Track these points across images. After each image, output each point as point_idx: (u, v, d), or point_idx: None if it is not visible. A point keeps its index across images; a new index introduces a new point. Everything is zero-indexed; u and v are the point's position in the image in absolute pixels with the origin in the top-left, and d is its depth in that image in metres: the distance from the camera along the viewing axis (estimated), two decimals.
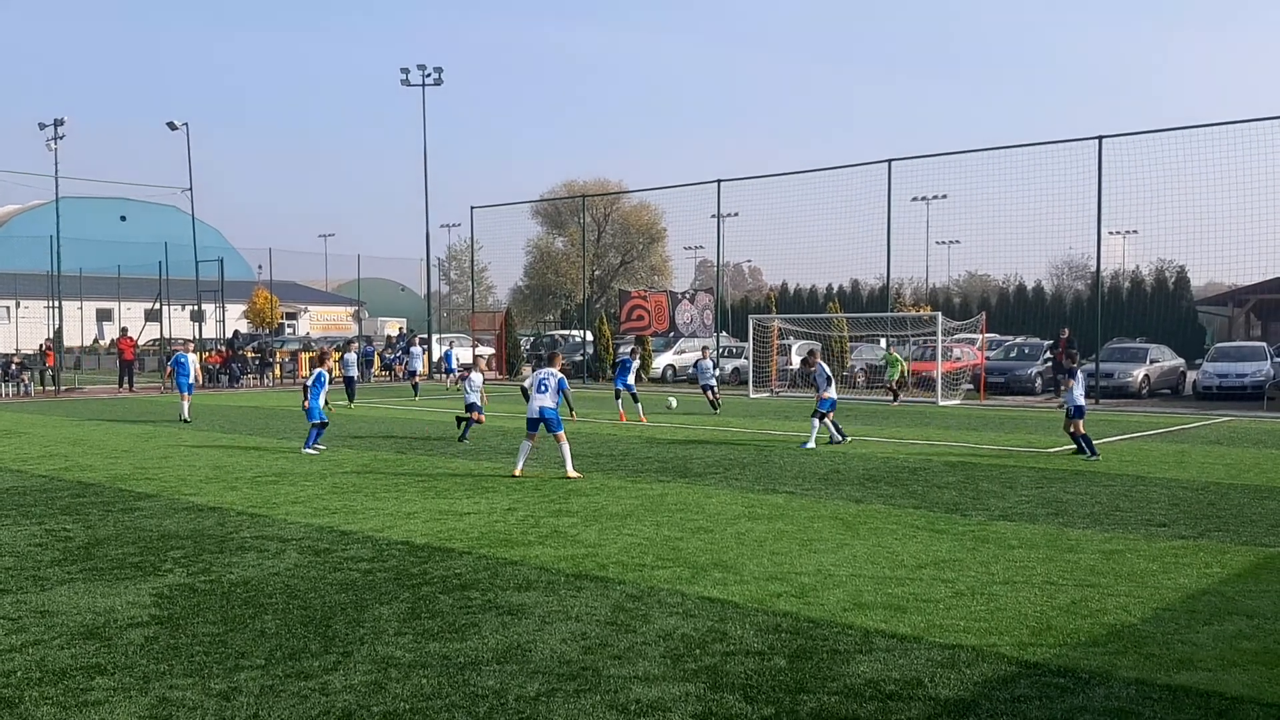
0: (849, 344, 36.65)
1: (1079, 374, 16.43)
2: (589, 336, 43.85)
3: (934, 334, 30.89)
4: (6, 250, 43.95)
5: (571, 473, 13.95)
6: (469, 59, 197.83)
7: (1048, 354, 33.29)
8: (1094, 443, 16.21)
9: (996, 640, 6.60)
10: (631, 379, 24.22)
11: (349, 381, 29.05)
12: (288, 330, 70.11)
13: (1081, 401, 16.18)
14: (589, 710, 5.42)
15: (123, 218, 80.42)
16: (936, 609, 7.34)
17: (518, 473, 14.09)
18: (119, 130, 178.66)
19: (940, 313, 32.12)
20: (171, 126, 43.10)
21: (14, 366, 36.43)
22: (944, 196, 46.13)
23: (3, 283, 44.91)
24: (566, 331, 54.78)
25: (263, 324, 63.19)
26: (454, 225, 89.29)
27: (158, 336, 48.09)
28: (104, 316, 63.84)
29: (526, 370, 27.76)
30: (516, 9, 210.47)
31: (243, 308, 64.37)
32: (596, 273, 70.09)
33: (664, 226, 69.31)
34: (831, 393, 18.32)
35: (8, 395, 34.36)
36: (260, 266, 72.08)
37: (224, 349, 42.18)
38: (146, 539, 9.98)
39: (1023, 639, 6.63)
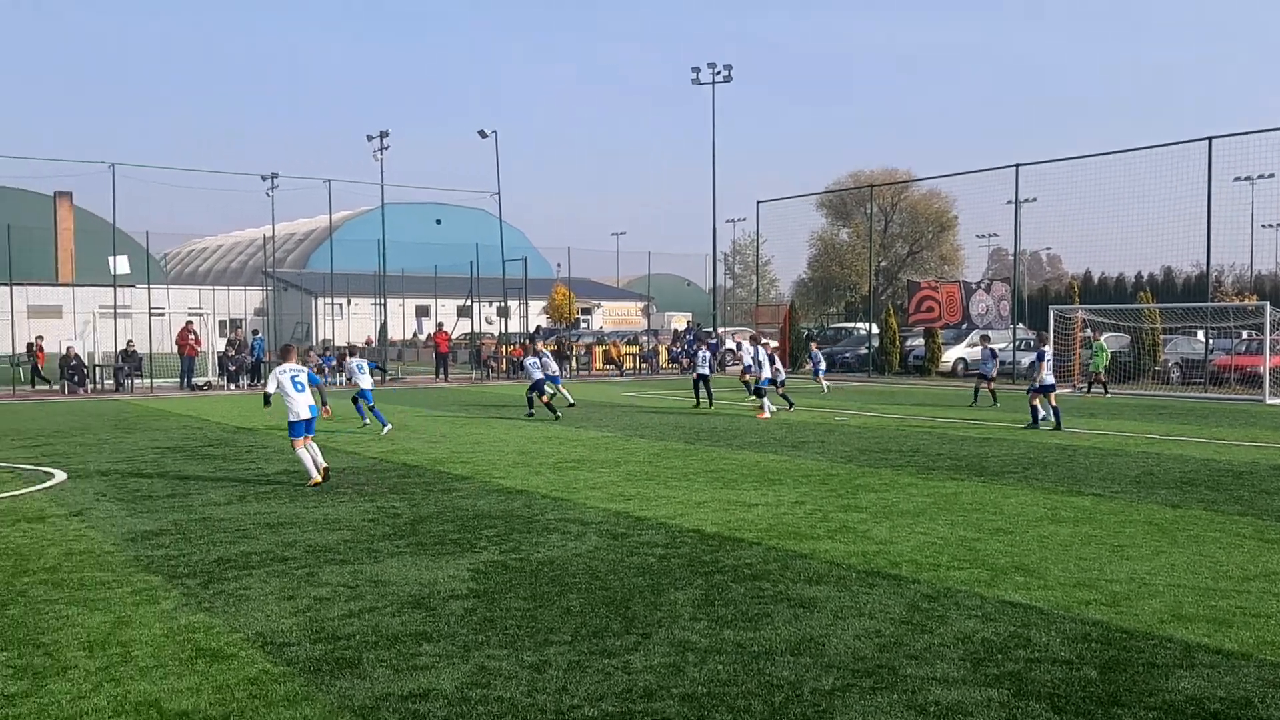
0: (1161, 336, 34.05)
1: (1047, 354, 19.72)
2: (875, 329, 42.99)
3: (1260, 325, 28.14)
4: (340, 252, 48.49)
5: (316, 478, 12.88)
6: (756, 53, 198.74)
7: None
8: (1061, 419, 19.33)
9: None
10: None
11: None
12: (583, 325, 73.27)
13: (1049, 380, 19.22)
14: (886, 708, 5.36)
15: (438, 221, 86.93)
16: (1267, 625, 6.72)
17: (318, 479, 12.89)
18: (435, 139, 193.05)
19: (1268, 302, 29.17)
20: (482, 134, 46.00)
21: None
22: (1271, 176, 42.07)
23: (337, 282, 49.67)
24: (851, 324, 53.96)
25: (560, 319, 66.42)
26: (739, 220, 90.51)
27: (469, 331, 51.61)
28: (422, 312, 69.14)
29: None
30: (803, 2, 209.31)
31: (543, 304, 67.79)
32: (883, 263, 68.58)
33: (955, 214, 66.97)
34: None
35: (341, 384, 37.93)
36: (559, 265, 75.92)
37: (526, 343, 44.66)
38: (463, 518, 10.77)
39: None
